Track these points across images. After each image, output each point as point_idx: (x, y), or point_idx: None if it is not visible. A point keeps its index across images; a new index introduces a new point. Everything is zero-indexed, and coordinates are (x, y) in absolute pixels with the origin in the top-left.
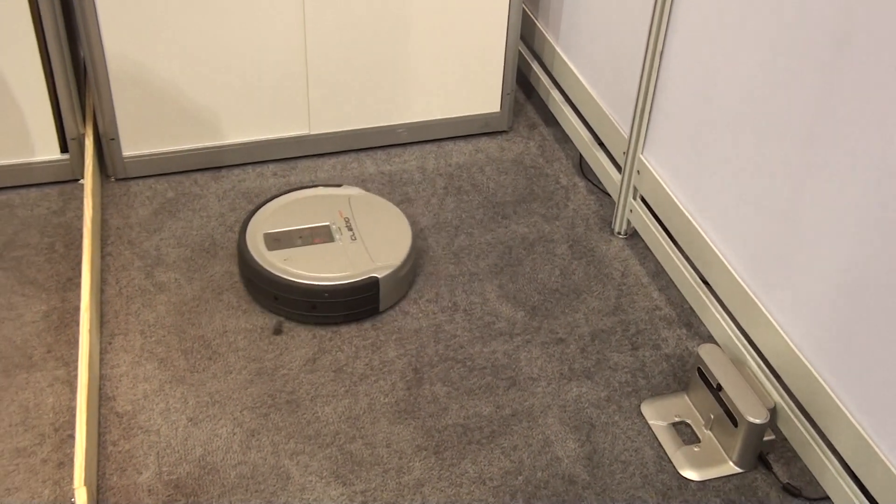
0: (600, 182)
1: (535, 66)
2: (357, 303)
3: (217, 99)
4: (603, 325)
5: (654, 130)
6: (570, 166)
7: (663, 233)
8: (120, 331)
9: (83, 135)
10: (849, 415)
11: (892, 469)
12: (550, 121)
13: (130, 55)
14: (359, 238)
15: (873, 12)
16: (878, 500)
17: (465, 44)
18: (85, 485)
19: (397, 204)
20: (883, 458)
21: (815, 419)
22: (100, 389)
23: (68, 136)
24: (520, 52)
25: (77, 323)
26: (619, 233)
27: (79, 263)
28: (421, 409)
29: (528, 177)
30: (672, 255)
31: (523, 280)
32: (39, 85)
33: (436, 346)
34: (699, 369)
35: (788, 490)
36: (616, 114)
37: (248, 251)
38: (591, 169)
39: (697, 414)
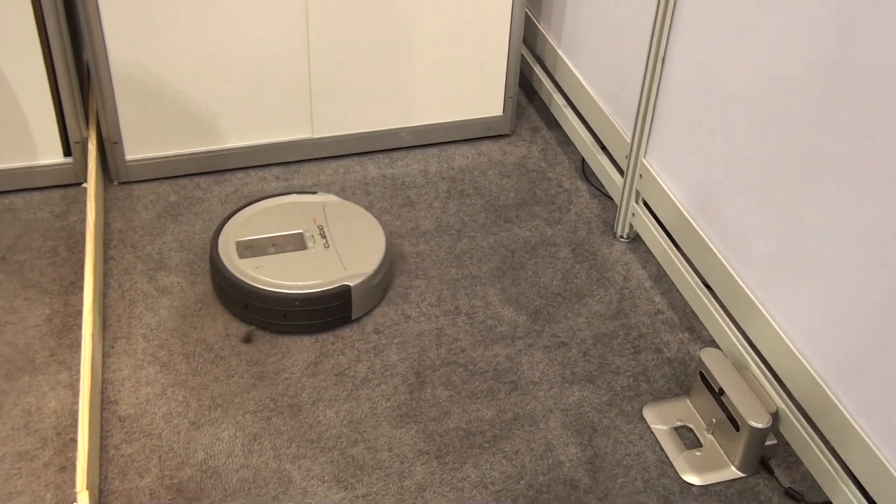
0: (602, 186)
1: (538, 70)
2: (329, 311)
3: (220, 102)
4: (605, 329)
5: (656, 134)
6: (572, 170)
7: (665, 236)
8: (122, 334)
9: (86, 138)
10: (851, 419)
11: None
12: (553, 124)
13: (133, 59)
14: (332, 246)
15: (877, 17)
16: None
17: (468, 47)
18: (87, 489)
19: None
20: (886, 462)
21: (817, 423)
22: (102, 393)
23: (71, 139)
24: (522, 55)
25: (79, 326)
26: (621, 236)
27: (81, 267)
28: (423, 412)
29: (531, 180)
30: (674, 258)
31: (525, 284)
32: (43, 89)
33: (438, 349)
34: (701, 373)
35: (790, 495)
36: (618, 117)
37: (219, 259)
38: (593, 172)
39: (699, 418)
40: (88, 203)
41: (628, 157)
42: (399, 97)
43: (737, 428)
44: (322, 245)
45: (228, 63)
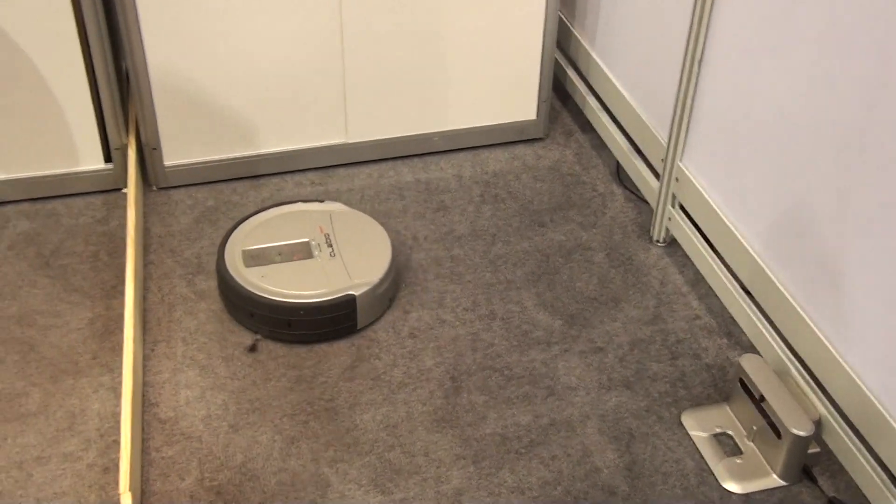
0: (638, 189)
1: (571, 73)
2: (334, 320)
3: (256, 109)
4: (642, 335)
5: (693, 138)
6: (606, 174)
7: (703, 241)
8: (162, 338)
9: (126, 145)
10: None
11: None
12: (586, 128)
13: (172, 66)
14: (338, 255)
15: None
16: None
17: (501, 51)
18: (130, 490)
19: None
20: None
21: (862, 432)
22: (143, 396)
23: (112, 146)
24: (555, 58)
25: (121, 330)
26: (657, 241)
27: (122, 271)
28: (459, 417)
29: (565, 184)
30: (712, 263)
31: (561, 288)
32: (84, 96)
33: (473, 354)
34: (741, 380)
35: None
36: (654, 121)
37: (225, 268)
38: (628, 176)
39: (739, 425)
40: (129, 208)
41: (664, 160)
42: (433, 102)
43: (778, 435)
44: (328, 254)
45: (264, 70)
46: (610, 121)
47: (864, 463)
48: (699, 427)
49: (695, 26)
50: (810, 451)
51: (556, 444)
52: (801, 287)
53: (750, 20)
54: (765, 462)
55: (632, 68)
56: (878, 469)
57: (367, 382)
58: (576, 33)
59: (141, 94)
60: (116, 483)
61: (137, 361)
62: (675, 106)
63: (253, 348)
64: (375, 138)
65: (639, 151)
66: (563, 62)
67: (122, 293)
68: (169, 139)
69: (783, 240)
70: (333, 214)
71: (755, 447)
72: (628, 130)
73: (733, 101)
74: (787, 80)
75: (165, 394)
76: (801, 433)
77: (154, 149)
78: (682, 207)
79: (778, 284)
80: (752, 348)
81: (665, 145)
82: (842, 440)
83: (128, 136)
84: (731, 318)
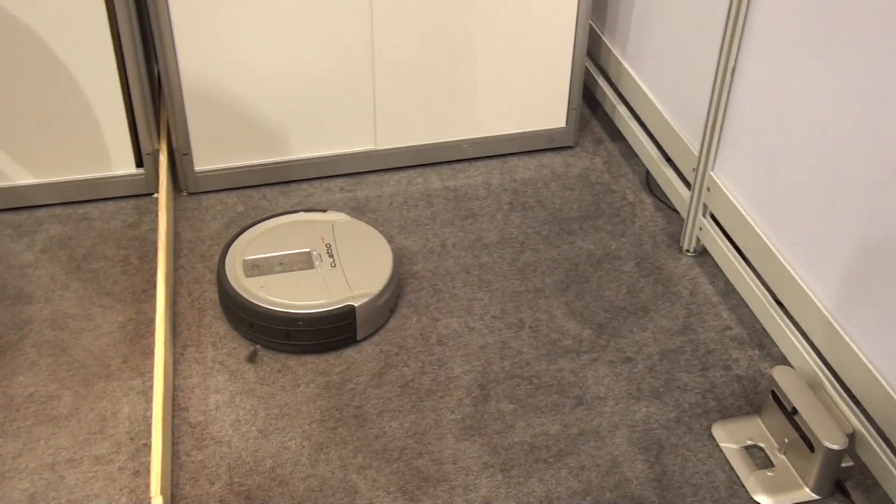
0: (668, 199)
1: (601, 81)
2: (333, 331)
3: (286, 115)
4: (671, 345)
5: (725, 147)
6: (636, 182)
7: (734, 251)
8: (192, 342)
9: (157, 150)
10: None
11: None
12: (616, 136)
13: (203, 72)
14: (338, 265)
15: None
16: None
17: (531, 59)
18: (161, 494)
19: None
20: None
21: None
22: (173, 400)
23: (143, 151)
24: (585, 67)
25: (151, 334)
26: (687, 250)
27: (153, 276)
28: (487, 426)
29: (594, 193)
30: (744, 274)
31: (589, 297)
32: (117, 102)
33: (502, 362)
34: (773, 392)
35: None
36: (685, 130)
37: (225, 277)
38: (657, 185)
39: (771, 438)
40: (160, 213)
41: (696, 170)
42: (462, 109)
43: (811, 448)
44: (329, 264)
45: (295, 76)
46: (640, 129)
47: None
48: (730, 439)
49: (728, 35)
50: (843, 464)
51: (585, 453)
52: (835, 299)
53: (785, 29)
54: (797, 475)
55: (663, 77)
56: None
57: (395, 389)
58: (606, 42)
59: (173, 100)
60: (147, 486)
61: (168, 365)
62: (708, 115)
63: (252, 358)
64: (405, 145)
65: (669, 160)
66: (592, 70)
67: (152, 297)
68: (200, 144)
69: (817, 251)
70: (336, 224)
71: (787, 460)
72: (659, 139)
73: (767, 111)
74: (824, 90)
75: (195, 398)
76: (835, 446)
77: (185, 154)
78: (712, 217)
79: (811, 295)
80: (783, 360)
81: (696, 155)
82: (876, 454)
83: (159, 141)
84: (763, 329)
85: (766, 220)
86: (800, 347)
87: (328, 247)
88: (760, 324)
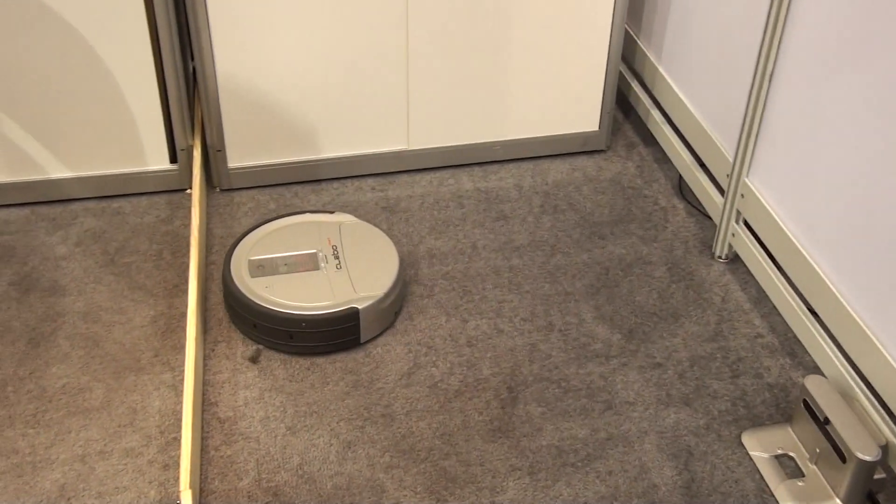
0: (700, 204)
1: (635, 85)
2: (336, 333)
3: (319, 114)
4: (702, 351)
5: (760, 154)
6: (669, 187)
7: (767, 259)
8: (222, 338)
9: (191, 146)
10: None
11: None
12: (649, 140)
13: (239, 71)
14: (344, 267)
15: None
16: None
17: (566, 62)
18: (190, 488)
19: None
20: None
21: None
22: (203, 395)
23: (178, 147)
24: (619, 70)
25: (182, 329)
26: (719, 257)
27: (185, 271)
28: (515, 428)
29: (626, 197)
30: (776, 281)
31: (620, 302)
32: (153, 98)
33: (530, 365)
34: (805, 401)
35: None
36: (719, 135)
37: (230, 277)
38: (690, 190)
39: (802, 447)
40: (193, 209)
41: (730, 175)
42: (495, 111)
43: (843, 459)
44: (334, 266)
45: (329, 76)
46: (673, 134)
47: None
48: (760, 447)
49: (766, 41)
50: (876, 476)
51: (613, 458)
52: (869, 308)
53: (824, 35)
54: (827, 486)
55: (699, 82)
56: None
57: (423, 390)
58: (641, 46)
59: (208, 97)
60: (176, 480)
61: (198, 360)
62: (744, 121)
63: (254, 359)
64: (437, 146)
65: (702, 165)
66: (626, 74)
67: (184, 292)
68: (233, 142)
69: (852, 259)
70: (343, 226)
71: (818, 470)
72: (692, 144)
73: (804, 118)
74: (863, 98)
75: (225, 393)
76: (867, 458)
77: (219, 151)
78: (746, 223)
79: (845, 304)
80: (815, 369)
81: (731, 160)
82: None
83: (193, 137)
84: (795, 337)
85: (801, 228)
86: (832, 357)
87: (334, 248)
88: (793, 332)
